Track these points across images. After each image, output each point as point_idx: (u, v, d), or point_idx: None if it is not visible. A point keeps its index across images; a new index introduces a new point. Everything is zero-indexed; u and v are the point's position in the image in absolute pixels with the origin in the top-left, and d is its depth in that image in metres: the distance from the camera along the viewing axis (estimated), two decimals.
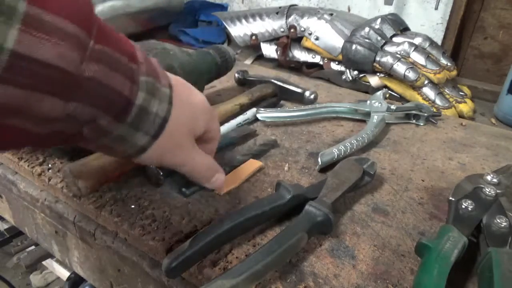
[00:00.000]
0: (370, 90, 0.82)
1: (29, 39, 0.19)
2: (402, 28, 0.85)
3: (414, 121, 0.64)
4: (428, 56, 0.76)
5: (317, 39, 0.89)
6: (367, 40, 0.79)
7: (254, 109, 0.60)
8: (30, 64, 0.20)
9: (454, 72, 0.78)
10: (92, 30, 0.23)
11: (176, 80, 0.32)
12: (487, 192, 0.39)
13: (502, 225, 0.34)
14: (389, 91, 0.77)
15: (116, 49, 0.25)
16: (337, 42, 0.86)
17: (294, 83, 0.70)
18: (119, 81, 0.25)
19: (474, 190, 0.39)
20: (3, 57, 0.19)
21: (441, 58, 0.78)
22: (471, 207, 0.37)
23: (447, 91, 0.77)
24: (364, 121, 0.62)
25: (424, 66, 0.75)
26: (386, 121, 0.60)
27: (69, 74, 0.22)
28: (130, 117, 0.26)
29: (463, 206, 0.37)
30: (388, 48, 0.79)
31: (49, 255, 1.23)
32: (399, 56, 0.76)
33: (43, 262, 1.46)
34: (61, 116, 0.23)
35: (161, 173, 0.42)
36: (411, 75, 0.73)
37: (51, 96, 0.22)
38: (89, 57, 0.23)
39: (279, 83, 0.69)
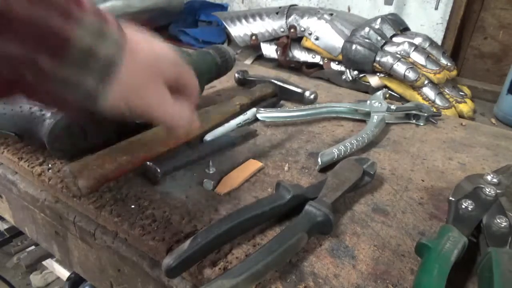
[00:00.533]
0: (370, 90, 0.82)
1: None
2: (402, 28, 0.85)
3: (414, 121, 0.64)
4: (428, 56, 0.76)
5: (317, 39, 0.89)
6: (367, 40, 0.79)
7: (254, 109, 0.60)
8: None
9: (454, 72, 0.78)
10: None
11: (138, 31, 0.32)
12: (487, 192, 0.39)
13: (502, 225, 0.34)
14: (389, 91, 0.77)
15: None
16: (337, 42, 0.86)
17: (294, 83, 0.70)
18: (50, 17, 0.24)
19: (474, 190, 0.39)
20: None
21: (441, 58, 0.78)
22: (471, 207, 0.37)
23: (447, 91, 0.77)
24: (364, 121, 0.62)
25: (424, 66, 0.75)
26: (386, 121, 0.60)
27: None
28: (72, 57, 0.25)
29: (463, 206, 0.37)
30: (388, 48, 0.79)
31: (49, 255, 1.23)
32: (399, 56, 0.76)
33: (43, 262, 1.46)
34: None
35: (159, 170, 0.42)
36: (411, 75, 0.73)
37: None
38: None
39: (279, 83, 0.69)
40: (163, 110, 0.32)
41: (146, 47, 0.31)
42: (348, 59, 0.82)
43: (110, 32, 0.28)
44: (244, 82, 0.74)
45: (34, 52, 0.24)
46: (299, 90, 0.67)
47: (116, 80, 0.28)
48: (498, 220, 0.35)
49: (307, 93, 0.66)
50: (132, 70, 0.29)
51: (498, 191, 0.39)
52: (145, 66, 0.30)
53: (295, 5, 0.99)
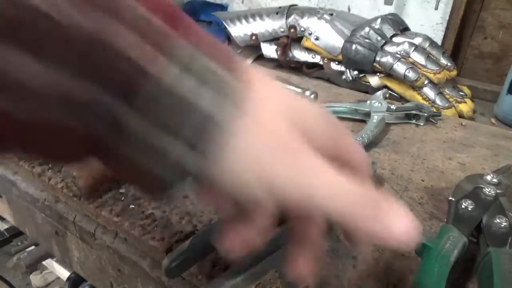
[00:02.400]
0: (370, 90, 0.82)
1: None
2: (402, 28, 0.85)
3: (414, 121, 0.64)
4: (428, 56, 0.76)
5: (317, 39, 0.89)
6: (367, 40, 0.79)
7: None
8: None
9: (454, 72, 0.78)
10: None
11: (259, 71, 0.20)
12: (487, 192, 0.38)
13: (502, 225, 0.34)
14: (389, 91, 0.77)
15: None
16: (337, 42, 0.86)
17: (294, 83, 0.70)
18: (128, 40, 0.15)
19: (474, 190, 0.39)
20: None
21: (441, 58, 0.78)
22: (471, 207, 0.37)
23: (447, 91, 0.77)
24: (364, 121, 0.62)
25: (424, 66, 0.75)
26: (386, 121, 0.60)
27: (49, 21, 0.14)
28: (144, 98, 0.16)
29: (463, 206, 0.37)
30: (388, 48, 0.79)
31: (49, 255, 1.23)
32: (399, 56, 0.76)
33: (43, 262, 1.46)
34: (43, 85, 0.14)
35: None
36: (411, 75, 0.73)
37: (19, 48, 0.14)
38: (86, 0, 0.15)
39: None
40: (332, 189, 0.18)
41: (277, 93, 0.20)
42: (348, 59, 0.82)
43: (224, 76, 0.18)
44: None
45: (106, 93, 0.16)
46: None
47: (229, 144, 0.17)
48: (498, 220, 0.35)
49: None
50: (260, 127, 0.18)
51: (498, 191, 0.39)
52: (279, 121, 0.19)
53: (295, 5, 0.99)
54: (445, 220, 0.39)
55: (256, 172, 0.17)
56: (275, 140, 0.18)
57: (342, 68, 0.87)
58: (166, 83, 0.16)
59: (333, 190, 0.18)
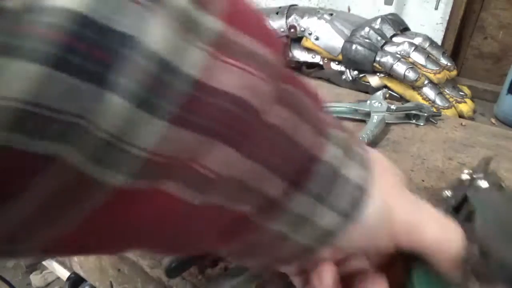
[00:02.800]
0: (370, 90, 0.82)
1: (217, 65, 0.14)
2: (402, 28, 0.85)
3: (414, 121, 0.64)
4: (428, 56, 0.76)
5: (317, 39, 0.89)
6: (367, 40, 0.79)
7: None
8: (214, 97, 0.14)
9: (454, 72, 0.78)
10: (282, 60, 0.18)
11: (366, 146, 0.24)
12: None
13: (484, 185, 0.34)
14: (389, 91, 0.77)
15: (305, 91, 0.19)
16: (337, 42, 0.86)
17: None
18: (306, 133, 0.18)
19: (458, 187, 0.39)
20: (185, 89, 0.14)
21: (441, 58, 0.78)
22: (451, 193, 0.36)
23: (447, 91, 0.77)
24: (364, 121, 0.62)
25: (424, 66, 0.75)
26: (386, 121, 0.60)
27: (253, 114, 0.16)
28: (314, 181, 0.18)
29: (444, 196, 0.36)
30: (388, 48, 0.79)
31: None
32: (399, 56, 0.76)
33: (43, 262, 1.46)
34: (225, 176, 0.16)
35: None
36: (411, 75, 0.73)
37: (224, 143, 0.15)
38: (277, 97, 0.17)
39: None
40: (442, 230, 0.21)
41: (385, 162, 0.23)
42: (348, 59, 0.82)
43: (355, 148, 0.21)
44: None
45: (270, 177, 0.17)
46: None
47: (368, 205, 0.20)
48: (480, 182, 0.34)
49: None
50: (382, 191, 0.21)
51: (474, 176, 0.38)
52: (393, 183, 0.22)
53: (295, 5, 0.99)
54: None
55: (387, 222, 0.20)
56: (398, 193, 0.21)
57: (342, 68, 0.87)
58: (327, 161, 0.19)
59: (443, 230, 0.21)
